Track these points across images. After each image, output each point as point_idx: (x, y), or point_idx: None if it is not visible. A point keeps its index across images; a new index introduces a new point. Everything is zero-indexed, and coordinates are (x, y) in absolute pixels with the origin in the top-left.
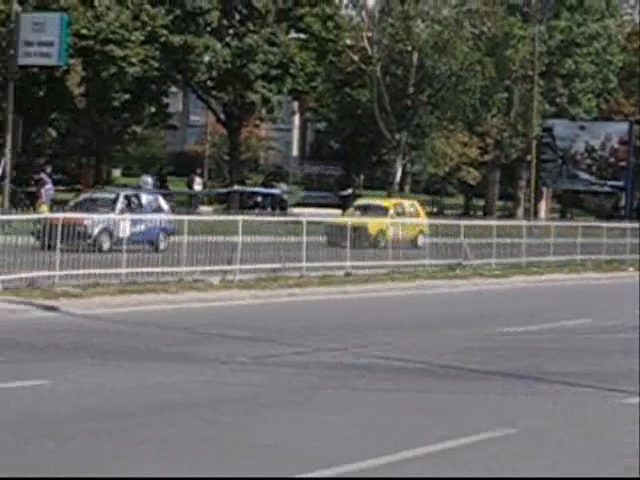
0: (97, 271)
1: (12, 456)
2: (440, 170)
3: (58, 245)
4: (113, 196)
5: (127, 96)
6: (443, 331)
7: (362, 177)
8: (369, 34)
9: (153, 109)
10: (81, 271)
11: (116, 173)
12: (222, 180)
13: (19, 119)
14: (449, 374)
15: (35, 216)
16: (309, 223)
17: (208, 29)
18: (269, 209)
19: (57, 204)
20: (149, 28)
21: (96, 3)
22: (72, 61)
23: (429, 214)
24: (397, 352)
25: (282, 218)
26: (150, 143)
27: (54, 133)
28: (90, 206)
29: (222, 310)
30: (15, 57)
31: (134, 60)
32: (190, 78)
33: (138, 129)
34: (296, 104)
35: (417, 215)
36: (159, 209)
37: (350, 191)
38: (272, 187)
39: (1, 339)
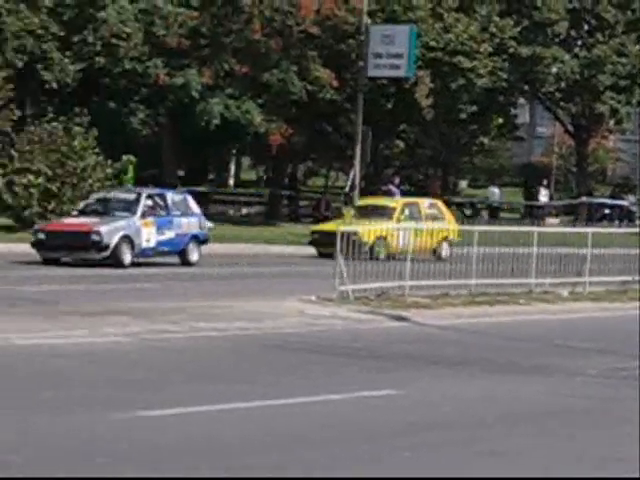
0: (447, 282)
1: (368, 466)
2: None
3: (409, 255)
4: (133, 196)
5: (475, 107)
6: None
7: None
8: None
9: (500, 120)
10: (431, 282)
11: (462, 184)
12: (569, 192)
13: (368, 130)
14: None
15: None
16: None
17: (556, 40)
18: (617, 221)
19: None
20: (497, 40)
21: (445, 16)
22: (420, 73)
23: None
24: None
25: (631, 230)
26: (497, 154)
27: (402, 144)
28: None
29: (571, 322)
30: (365, 69)
31: (482, 72)
32: (538, 89)
33: (485, 140)
34: None
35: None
36: (188, 212)
37: None
38: (620, 199)
39: (353, 348)
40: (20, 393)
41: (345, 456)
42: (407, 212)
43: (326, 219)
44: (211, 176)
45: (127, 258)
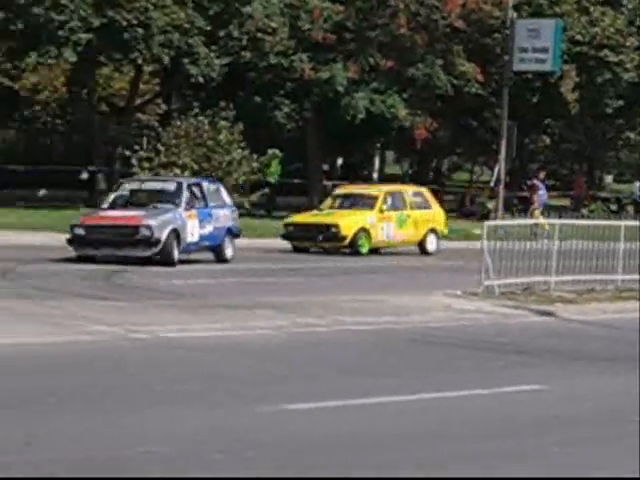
0: (592, 277)
1: (516, 461)
2: None
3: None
4: (173, 186)
5: (621, 102)
6: None
7: None
8: None
9: None
10: (576, 277)
11: (608, 179)
12: None
13: (513, 125)
14: None
15: (529, 221)
16: None
17: None
18: None
19: (550, 209)
20: None
21: (591, 9)
22: (566, 67)
23: None
24: None
25: None
26: None
27: (547, 139)
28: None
29: None
30: (510, 63)
31: (629, 65)
32: None
33: (631, 135)
34: None
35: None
36: (222, 203)
37: None
38: None
39: (498, 343)
40: (167, 386)
41: (491, 451)
42: (390, 201)
43: (471, 214)
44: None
45: (176, 254)
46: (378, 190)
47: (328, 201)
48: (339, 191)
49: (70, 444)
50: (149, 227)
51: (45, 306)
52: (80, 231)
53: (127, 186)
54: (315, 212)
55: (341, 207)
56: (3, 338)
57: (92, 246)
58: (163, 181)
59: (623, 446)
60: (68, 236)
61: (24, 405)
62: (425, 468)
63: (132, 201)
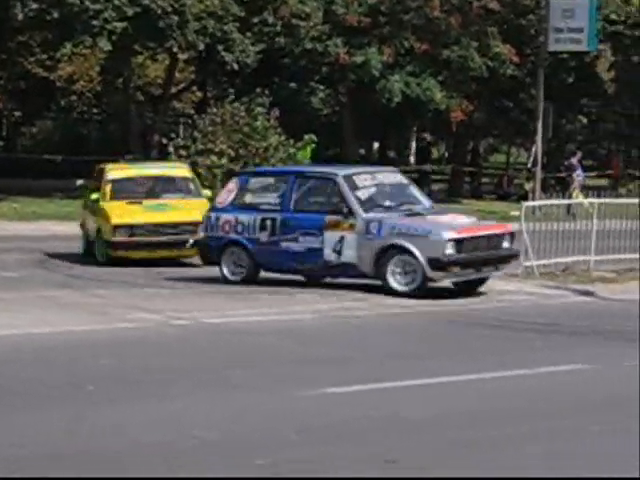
0: (632, 256)
1: (564, 440)
2: None
3: (594, 229)
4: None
5: None
6: None
7: None
8: None
9: None
10: (616, 256)
11: None
12: None
13: (549, 106)
14: None
15: (567, 201)
16: None
17: None
18: None
19: (588, 190)
20: None
21: None
22: (601, 46)
23: None
24: None
25: None
26: None
27: (584, 119)
28: None
29: None
30: (545, 44)
31: None
32: None
33: None
34: None
35: None
36: None
37: None
38: None
39: (540, 323)
40: (209, 371)
41: (529, 431)
42: None
43: (509, 195)
44: (392, 154)
45: None
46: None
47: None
48: None
49: (118, 430)
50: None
51: (86, 295)
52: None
53: None
54: None
55: None
56: (46, 327)
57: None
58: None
59: None
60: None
61: (67, 391)
62: (470, 449)
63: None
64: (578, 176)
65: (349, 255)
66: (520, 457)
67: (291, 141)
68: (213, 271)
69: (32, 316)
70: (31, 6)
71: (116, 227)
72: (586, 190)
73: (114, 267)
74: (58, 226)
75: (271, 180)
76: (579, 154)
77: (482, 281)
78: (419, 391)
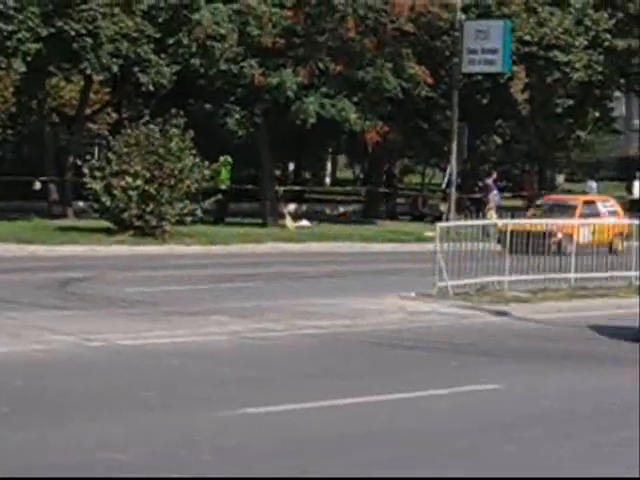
0: (546, 276)
1: (469, 461)
2: None
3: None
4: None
5: (571, 101)
6: None
7: None
8: None
9: (597, 114)
10: (530, 276)
11: (560, 179)
12: None
13: (464, 127)
14: None
15: (481, 222)
16: None
17: None
18: None
19: (503, 210)
20: (592, 33)
21: (539, 9)
22: (515, 68)
23: None
24: None
25: None
26: (593, 148)
27: (498, 140)
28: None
29: None
30: (459, 65)
31: (578, 65)
32: (634, 82)
33: (582, 134)
34: None
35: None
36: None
37: None
38: None
39: (454, 344)
40: (124, 393)
41: (446, 450)
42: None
43: (424, 216)
44: (307, 175)
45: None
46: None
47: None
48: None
49: (26, 453)
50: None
51: (0, 316)
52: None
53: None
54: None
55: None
56: None
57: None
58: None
59: (577, 445)
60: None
61: None
62: (379, 469)
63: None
64: (495, 196)
65: None
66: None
67: (206, 162)
68: (127, 290)
69: None
70: None
71: None
72: (500, 210)
73: (29, 287)
74: None
75: None
76: (494, 174)
77: None
78: (336, 411)
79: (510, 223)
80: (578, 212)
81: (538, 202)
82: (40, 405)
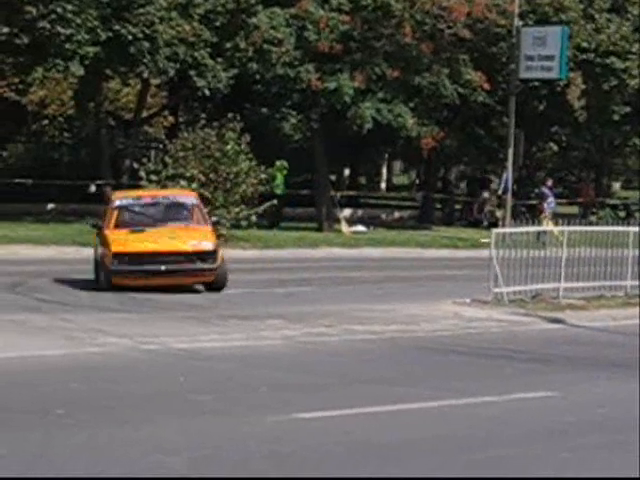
0: (601, 283)
1: (527, 467)
2: None
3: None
4: None
5: (628, 108)
6: None
7: None
8: None
9: None
10: (585, 284)
11: (616, 186)
12: None
13: (520, 133)
14: None
15: (537, 228)
16: None
17: None
18: None
19: (558, 217)
20: None
21: (596, 16)
22: (572, 74)
23: None
24: None
25: None
26: None
27: (555, 147)
28: None
29: None
30: (516, 71)
31: (635, 72)
32: None
33: (638, 141)
34: None
35: None
36: None
37: None
38: None
39: (509, 350)
40: (180, 396)
41: (502, 457)
42: None
43: (479, 222)
44: (363, 180)
45: None
46: None
47: None
48: None
49: (82, 456)
50: None
51: (55, 319)
52: None
53: None
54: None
55: None
56: (15, 351)
57: None
58: None
59: (634, 453)
60: None
61: (36, 415)
62: (430, 475)
63: None
64: (550, 204)
65: None
66: None
67: (262, 167)
68: (183, 295)
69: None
70: (2, 30)
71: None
72: (556, 217)
73: (83, 290)
74: (29, 250)
75: None
76: (550, 181)
77: None
78: (389, 417)
79: (566, 230)
80: None
81: None
82: (95, 408)
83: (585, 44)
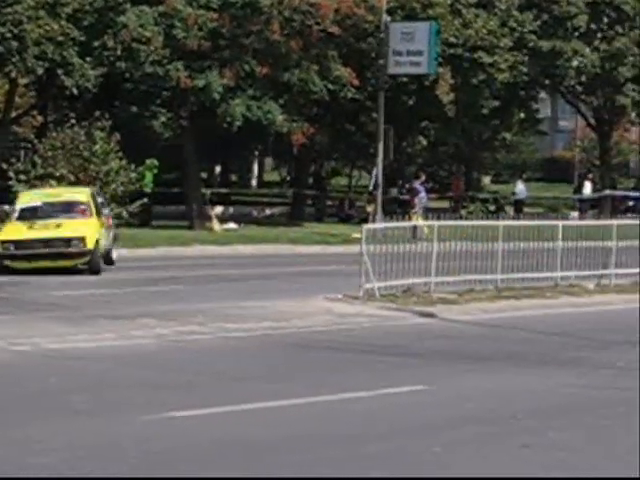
0: (472, 277)
1: (398, 462)
2: None
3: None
4: None
5: (496, 103)
6: None
7: None
8: None
9: (522, 115)
10: (456, 278)
11: (486, 180)
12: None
13: (390, 128)
14: None
15: (408, 224)
16: None
17: (576, 33)
18: None
19: (429, 212)
20: (517, 34)
21: (464, 11)
22: (441, 69)
23: None
24: None
25: None
26: (519, 149)
27: (424, 142)
28: None
29: (598, 315)
30: (385, 67)
31: (503, 66)
32: (559, 83)
33: (507, 135)
34: None
35: None
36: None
37: None
38: None
39: (380, 345)
40: (52, 397)
41: (373, 453)
42: None
43: (351, 218)
44: (234, 177)
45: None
46: None
47: None
48: None
49: None
50: None
51: None
52: None
53: None
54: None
55: None
56: None
57: None
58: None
59: (505, 445)
60: None
61: None
62: (307, 471)
63: None
64: (422, 198)
65: None
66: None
67: (132, 165)
68: (53, 293)
69: None
70: None
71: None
72: (426, 212)
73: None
74: None
75: None
76: (423, 177)
77: None
78: (263, 414)
79: (436, 224)
80: None
81: None
82: None
83: (453, 39)
